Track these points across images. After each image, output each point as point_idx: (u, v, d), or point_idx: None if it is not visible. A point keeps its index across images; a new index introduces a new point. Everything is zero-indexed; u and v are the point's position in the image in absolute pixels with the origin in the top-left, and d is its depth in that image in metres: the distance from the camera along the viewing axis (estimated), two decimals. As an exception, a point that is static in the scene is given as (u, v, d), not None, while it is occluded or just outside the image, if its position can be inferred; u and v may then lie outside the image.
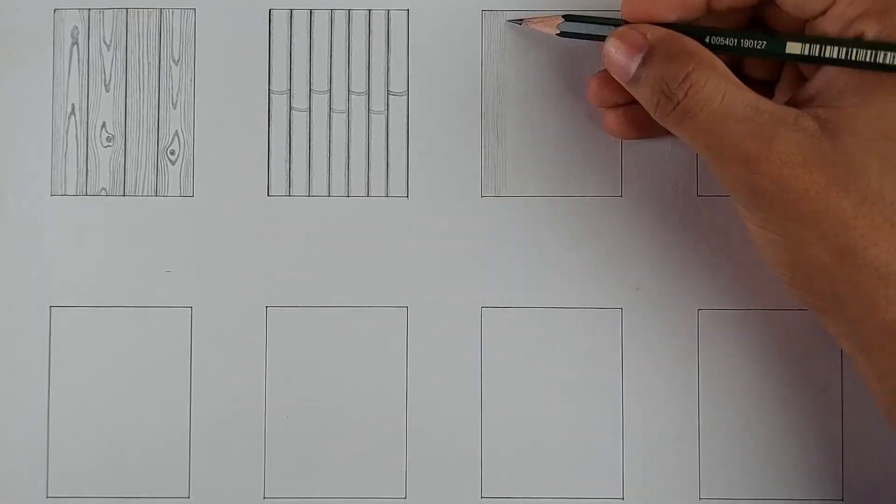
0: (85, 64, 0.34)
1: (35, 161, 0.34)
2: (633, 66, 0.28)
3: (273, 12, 0.34)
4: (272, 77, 0.34)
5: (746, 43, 0.28)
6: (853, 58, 0.27)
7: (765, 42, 0.28)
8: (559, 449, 0.33)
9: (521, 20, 0.33)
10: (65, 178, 0.34)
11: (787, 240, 0.27)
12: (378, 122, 0.34)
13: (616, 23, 0.30)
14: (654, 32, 0.28)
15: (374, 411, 0.33)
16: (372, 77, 0.34)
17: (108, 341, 0.34)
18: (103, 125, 0.34)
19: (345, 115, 0.34)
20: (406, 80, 0.34)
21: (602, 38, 0.30)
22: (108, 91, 0.34)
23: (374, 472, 0.33)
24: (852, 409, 0.33)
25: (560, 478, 0.33)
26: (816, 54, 0.27)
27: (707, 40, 0.28)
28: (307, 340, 0.34)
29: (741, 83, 0.27)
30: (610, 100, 0.31)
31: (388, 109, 0.34)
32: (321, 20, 0.34)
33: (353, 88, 0.34)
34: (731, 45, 0.28)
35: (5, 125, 0.34)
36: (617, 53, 0.29)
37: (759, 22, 0.30)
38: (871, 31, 0.26)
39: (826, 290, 0.27)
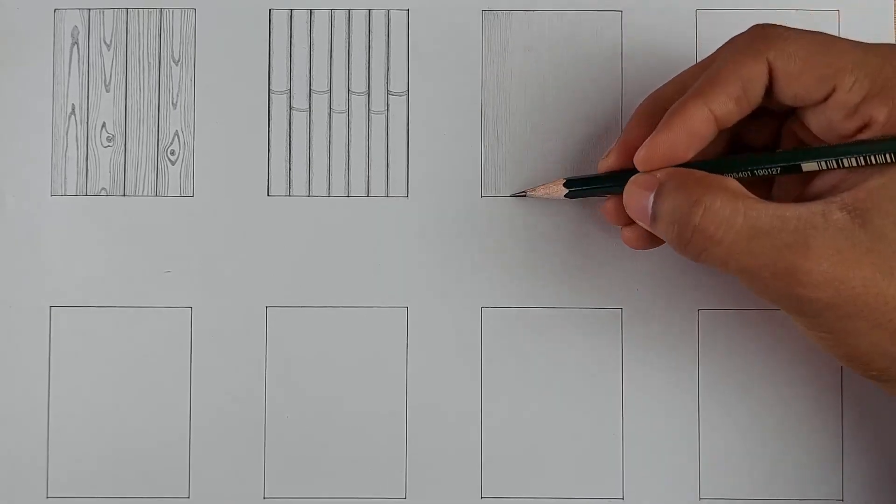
0: (85, 64, 0.34)
1: (35, 161, 0.34)
2: (650, 206, 0.28)
3: (273, 12, 0.34)
4: (272, 77, 0.34)
5: (760, 172, 0.28)
6: (872, 161, 0.26)
7: (779, 168, 0.28)
8: (559, 449, 0.33)
9: (525, 192, 0.33)
10: (65, 178, 0.34)
11: (840, 335, 0.26)
12: (378, 122, 0.34)
13: (614, 177, 0.30)
14: (662, 171, 0.28)
15: (374, 411, 0.33)
16: (372, 77, 0.34)
17: (108, 341, 0.34)
18: (103, 125, 0.34)
19: (345, 115, 0.34)
20: (406, 80, 0.34)
21: (606, 190, 0.30)
22: (108, 91, 0.34)
23: (374, 472, 0.33)
24: (852, 409, 0.33)
25: (560, 478, 0.33)
26: (834, 166, 0.27)
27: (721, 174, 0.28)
28: (307, 340, 0.34)
29: (758, 198, 0.26)
30: (627, 218, 0.31)
31: (388, 109, 0.34)
32: (321, 20, 0.34)
33: (353, 88, 0.34)
34: (744, 176, 0.28)
35: (5, 125, 0.34)
36: (632, 197, 0.28)
37: (762, 110, 0.30)
38: (879, 114, 0.26)
39: (888, 368, 0.27)
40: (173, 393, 0.34)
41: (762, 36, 0.27)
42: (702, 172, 0.27)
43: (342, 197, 0.34)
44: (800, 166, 0.27)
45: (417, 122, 0.34)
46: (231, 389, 0.34)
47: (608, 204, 0.31)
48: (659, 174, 0.28)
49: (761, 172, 0.28)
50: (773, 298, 0.27)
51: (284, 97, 0.34)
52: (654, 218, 0.28)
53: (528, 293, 0.34)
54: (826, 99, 0.27)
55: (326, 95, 0.34)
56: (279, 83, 0.34)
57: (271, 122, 0.34)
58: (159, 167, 0.34)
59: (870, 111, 0.26)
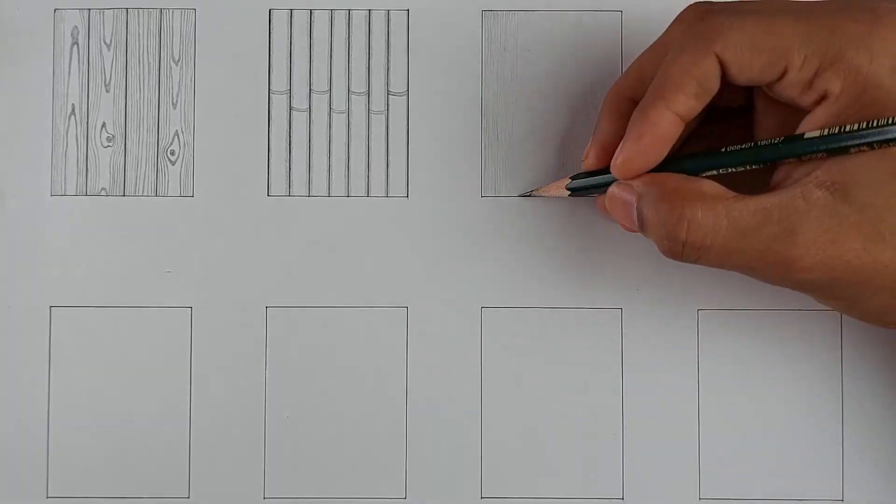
0: (85, 64, 0.34)
1: (35, 161, 0.34)
2: (635, 217, 0.28)
3: (273, 12, 0.34)
4: (272, 77, 0.34)
5: (727, 160, 0.28)
6: (836, 150, 0.26)
7: (746, 158, 0.28)
8: (559, 449, 0.33)
9: (531, 193, 0.33)
10: (65, 178, 0.34)
11: (849, 302, 0.27)
12: (378, 122, 0.34)
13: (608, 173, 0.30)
14: (638, 181, 0.28)
15: (374, 411, 0.33)
16: (372, 77, 0.34)
17: (108, 341, 0.34)
18: (103, 125, 0.34)
19: (345, 115, 0.34)
20: (406, 80, 0.34)
21: (604, 187, 0.30)
22: (108, 91, 0.34)
23: (374, 472, 0.33)
24: (852, 409, 0.33)
25: (560, 478, 0.33)
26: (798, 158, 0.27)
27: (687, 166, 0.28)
28: (307, 340, 0.34)
29: (735, 194, 0.27)
30: None
31: (388, 109, 0.34)
32: (321, 20, 0.34)
33: (353, 88, 0.34)
34: (713, 168, 0.28)
35: (5, 125, 0.34)
36: (617, 209, 0.29)
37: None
38: (834, 86, 0.26)
39: None
40: (173, 393, 0.34)
41: (704, 30, 0.27)
42: (676, 179, 0.28)
43: (342, 197, 0.34)
44: (767, 158, 0.27)
45: (417, 122, 0.34)
46: (231, 389, 0.34)
47: (601, 201, 0.31)
48: (635, 184, 0.28)
49: (732, 169, 0.28)
50: (776, 284, 0.27)
51: (284, 97, 0.34)
52: (642, 227, 0.28)
53: (528, 293, 0.34)
54: (781, 78, 0.27)
55: (326, 95, 0.34)
56: (279, 83, 0.34)
57: (271, 122, 0.34)
58: (159, 167, 0.34)
59: (824, 85, 0.26)
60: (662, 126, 0.28)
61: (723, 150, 0.28)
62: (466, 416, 0.33)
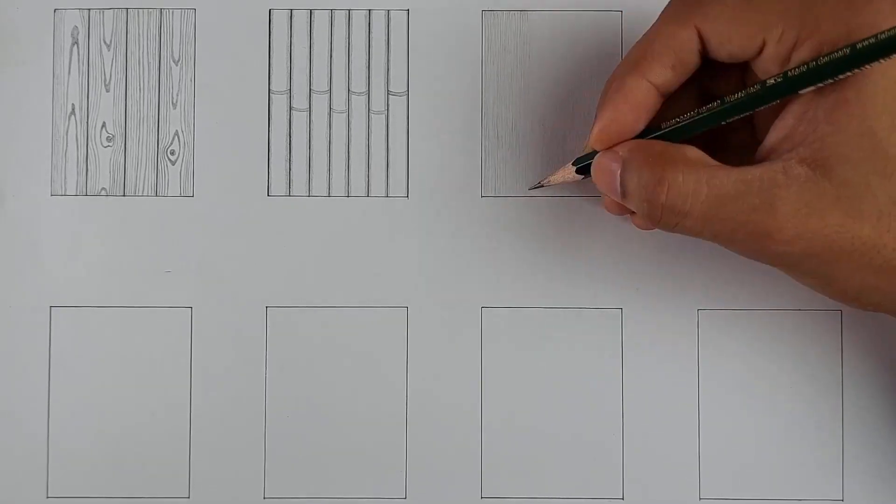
0: (85, 64, 0.34)
1: (35, 161, 0.34)
2: (618, 184, 0.28)
3: (273, 12, 0.34)
4: (272, 77, 0.34)
5: (703, 112, 0.28)
6: (810, 83, 0.26)
7: (719, 105, 0.28)
8: (559, 449, 0.33)
9: (540, 184, 0.33)
10: (65, 178, 0.34)
11: (825, 280, 0.27)
12: (378, 122, 0.34)
13: None
14: (624, 147, 0.28)
15: (374, 411, 0.33)
16: (372, 77, 0.34)
17: (108, 341, 0.34)
18: (103, 125, 0.34)
19: (345, 115, 0.34)
20: (406, 80, 0.34)
21: None
22: (108, 91, 0.34)
23: (374, 472, 0.33)
24: (852, 409, 0.33)
25: (560, 478, 0.33)
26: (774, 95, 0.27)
27: (662, 126, 0.28)
28: (307, 340, 0.34)
29: (719, 163, 0.27)
30: (625, 210, 0.31)
31: (388, 109, 0.34)
32: (321, 20, 0.34)
33: (353, 88, 0.34)
34: (685, 125, 0.28)
35: (5, 125, 0.34)
36: (601, 176, 0.29)
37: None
38: (810, 57, 0.26)
39: (882, 302, 0.28)
40: (173, 393, 0.34)
41: (687, 2, 0.28)
42: (662, 145, 0.28)
43: (342, 197, 0.34)
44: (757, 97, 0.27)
45: (417, 122, 0.34)
46: (231, 389, 0.34)
47: (605, 198, 0.31)
48: (621, 150, 0.28)
49: (704, 113, 0.28)
50: (753, 257, 0.27)
51: (284, 97, 0.34)
52: (623, 195, 0.28)
53: (528, 293, 0.34)
54: (760, 53, 0.27)
55: (326, 95, 0.34)
56: (279, 83, 0.34)
57: (271, 122, 0.34)
58: (159, 167, 0.34)
59: (801, 56, 0.26)
60: (638, 94, 0.28)
61: (691, 113, 0.28)
62: (466, 416, 0.33)
